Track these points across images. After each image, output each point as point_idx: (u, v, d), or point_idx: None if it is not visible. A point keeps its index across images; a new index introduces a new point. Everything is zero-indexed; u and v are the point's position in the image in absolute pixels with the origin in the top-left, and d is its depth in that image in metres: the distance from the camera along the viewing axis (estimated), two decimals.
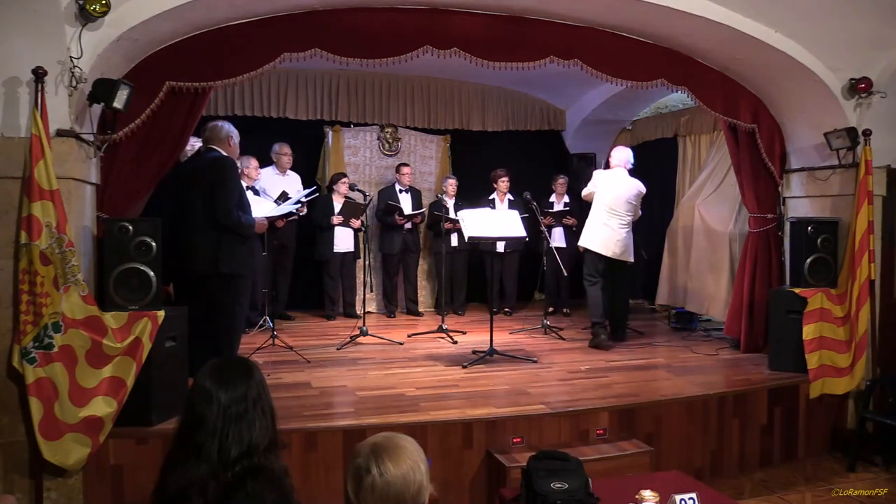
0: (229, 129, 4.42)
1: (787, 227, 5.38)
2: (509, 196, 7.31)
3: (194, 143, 4.92)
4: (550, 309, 7.26)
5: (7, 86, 3.38)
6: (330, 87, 7.48)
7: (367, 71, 6.71)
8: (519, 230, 5.45)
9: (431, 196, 7.82)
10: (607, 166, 6.21)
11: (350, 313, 7.08)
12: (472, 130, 8.16)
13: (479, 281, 7.78)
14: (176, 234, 4.24)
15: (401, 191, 7.28)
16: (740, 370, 5.04)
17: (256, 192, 6.05)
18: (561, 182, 7.56)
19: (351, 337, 5.80)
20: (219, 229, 4.20)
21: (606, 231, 5.75)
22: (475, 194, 7.26)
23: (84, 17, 3.42)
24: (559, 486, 2.80)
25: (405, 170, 7.32)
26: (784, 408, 4.62)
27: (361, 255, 6.63)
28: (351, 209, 6.73)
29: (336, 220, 6.88)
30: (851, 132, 4.76)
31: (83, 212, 3.78)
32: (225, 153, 4.35)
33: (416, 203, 7.33)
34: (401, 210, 7.09)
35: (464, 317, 7.38)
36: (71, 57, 3.44)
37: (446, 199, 7.29)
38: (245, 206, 4.40)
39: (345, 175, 7.14)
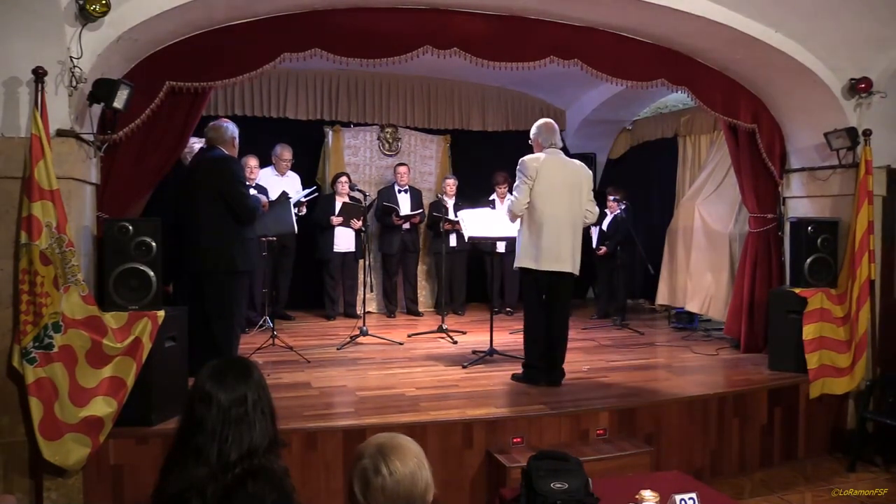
0: (233, 129, 4.49)
1: (787, 227, 5.38)
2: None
3: (194, 144, 4.92)
4: None
5: (7, 86, 3.38)
6: (330, 87, 7.49)
7: (367, 71, 6.71)
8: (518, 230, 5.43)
9: (431, 196, 7.82)
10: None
11: (350, 313, 7.08)
12: (472, 130, 8.17)
13: (478, 281, 7.78)
14: (182, 232, 4.32)
15: (399, 191, 7.28)
16: (740, 370, 5.04)
17: (264, 192, 6.03)
18: None
19: (351, 337, 5.80)
20: (229, 226, 4.27)
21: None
22: (475, 194, 7.26)
23: (84, 17, 3.42)
24: (559, 486, 2.80)
25: (401, 169, 7.32)
26: (784, 408, 4.62)
27: (364, 256, 6.64)
28: (351, 210, 6.73)
29: (336, 220, 6.88)
30: (851, 132, 4.76)
31: (83, 212, 3.78)
32: (228, 153, 4.41)
33: (416, 203, 7.32)
34: (397, 210, 7.09)
35: (464, 317, 7.38)
36: (71, 57, 3.44)
37: (446, 199, 7.30)
38: None
39: (344, 174, 7.14)
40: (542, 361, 4.56)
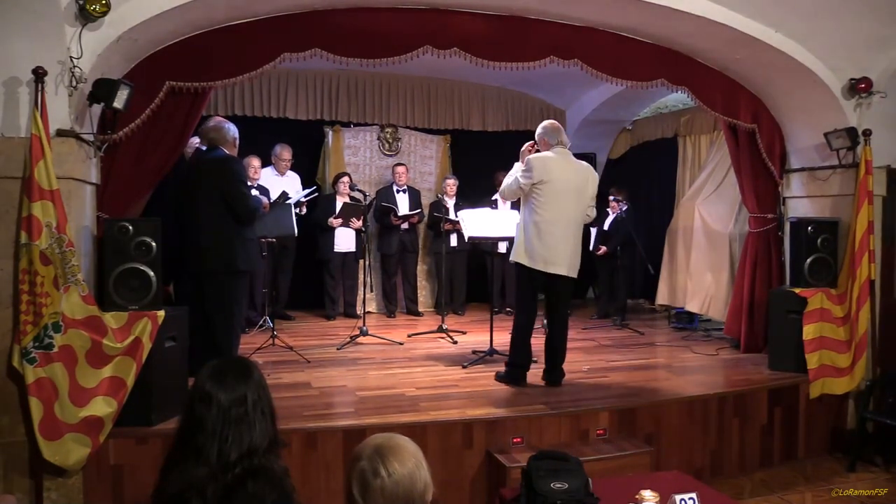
0: (234, 130, 4.49)
1: (787, 227, 5.38)
2: None
3: (195, 144, 4.92)
4: None
5: (7, 86, 3.38)
6: (330, 87, 7.49)
7: (367, 71, 6.71)
8: None
9: (431, 196, 7.82)
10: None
11: (350, 313, 7.08)
12: (472, 130, 8.17)
13: (479, 281, 7.78)
14: (182, 232, 4.32)
15: (398, 191, 7.29)
16: (740, 370, 5.04)
17: (266, 193, 6.04)
18: None
19: (351, 337, 5.80)
20: (231, 226, 4.27)
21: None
22: (475, 194, 7.26)
23: (84, 17, 3.42)
24: (559, 486, 2.80)
25: (399, 169, 7.33)
26: (784, 408, 4.62)
27: (364, 256, 6.64)
28: (350, 210, 6.73)
29: (335, 222, 6.87)
30: (851, 132, 4.76)
31: (83, 212, 3.78)
32: (228, 152, 4.41)
33: (415, 203, 7.32)
34: (395, 211, 7.10)
35: (464, 317, 7.38)
36: (71, 57, 3.44)
37: (446, 199, 7.30)
38: None
39: (346, 174, 7.15)
40: (528, 362, 4.57)
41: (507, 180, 4.54)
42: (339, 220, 6.87)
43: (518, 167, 4.49)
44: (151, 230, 3.72)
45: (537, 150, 4.52)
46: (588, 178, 4.49)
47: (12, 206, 3.36)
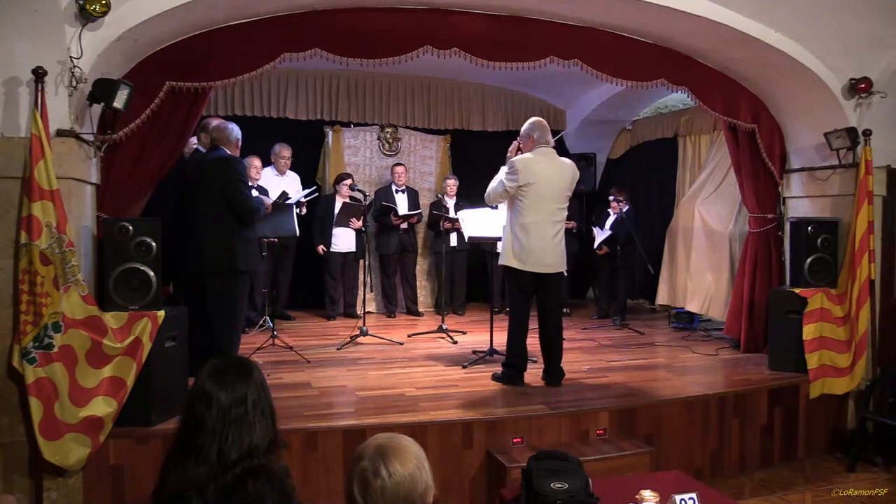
0: (238, 131, 4.48)
1: (787, 227, 5.38)
2: None
3: (193, 144, 4.92)
4: None
5: (7, 86, 3.38)
6: (330, 87, 7.50)
7: (367, 71, 6.72)
8: None
9: (431, 196, 7.82)
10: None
11: (350, 313, 7.09)
12: (472, 130, 8.18)
13: (479, 281, 7.78)
14: (182, 231, 4.31)
15: (397, 191, 7.29)
16: (740, 370, 5.04)
17: (265, 193, 6.04)
18: None
19: (351, 337, 5.80)
20: (232, 227, 4.27)
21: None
22: (475, 194, 7.25)
23: (84, 17, 3.42)
24: (559, 486, 2.80)
25: (398, 169, 7.33)
26: (784, 408, 4.62)
27: (365, 256, 6.63)
28: (351, 209, 6.74)
29: (321, 250, 6.88)
30: (851, 132, 4.76)
31: (83, 212, 3.78)
32: (230, 153, 4.40)
33: (414, 203, 7.32)
34: (395, 210, 7.10)
35: (464, 317, 7.38)
36: (71, 57, 3.45)
37: (446, 198, 7.30)
38: None
39: (349, 175, 7.15)
40: (524, 363, 4.57)
41: (493, 184, 4.52)
42: (322, 248, 6.89)
43: (503, 170, 4.48)
44: (151, 230, 3.72)
45: (520, 149, 4.51)
46: (573, 176, 4.49)
47: (12, 206, 3.36)
